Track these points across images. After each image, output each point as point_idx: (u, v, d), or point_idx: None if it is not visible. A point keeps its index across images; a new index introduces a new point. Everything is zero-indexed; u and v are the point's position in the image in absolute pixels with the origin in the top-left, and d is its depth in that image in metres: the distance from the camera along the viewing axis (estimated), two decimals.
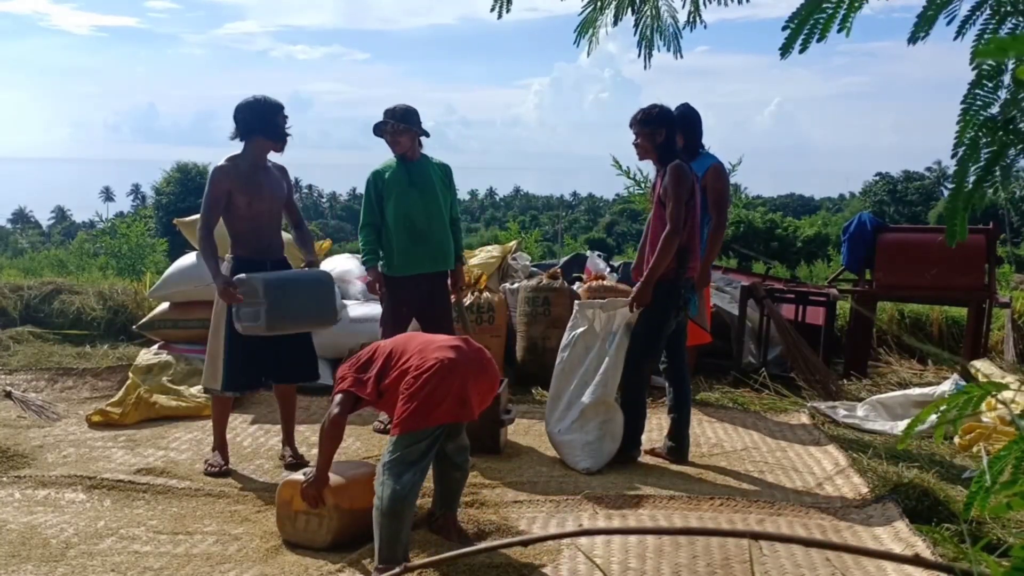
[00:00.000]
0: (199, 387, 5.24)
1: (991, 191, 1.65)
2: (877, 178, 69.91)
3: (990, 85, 1.59)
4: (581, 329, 4.32)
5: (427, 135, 4.78)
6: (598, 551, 3.17)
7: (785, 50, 1.75)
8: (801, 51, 1.76)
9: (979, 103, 1.60)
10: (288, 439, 4.43)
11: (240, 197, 4.09)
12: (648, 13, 4.10)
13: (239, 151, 4.16)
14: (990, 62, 1.58)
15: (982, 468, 1.37)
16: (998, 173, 1.60)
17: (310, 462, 4.18)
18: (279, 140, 4.16)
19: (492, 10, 4.11)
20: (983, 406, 4.82)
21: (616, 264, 7.15)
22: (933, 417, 1.52)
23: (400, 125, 4.63)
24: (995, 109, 1.60)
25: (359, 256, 7.09)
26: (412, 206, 4.71)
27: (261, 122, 4.10)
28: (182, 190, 42.40)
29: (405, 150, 4.70)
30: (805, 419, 5.14)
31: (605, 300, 4.44)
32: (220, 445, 4.28)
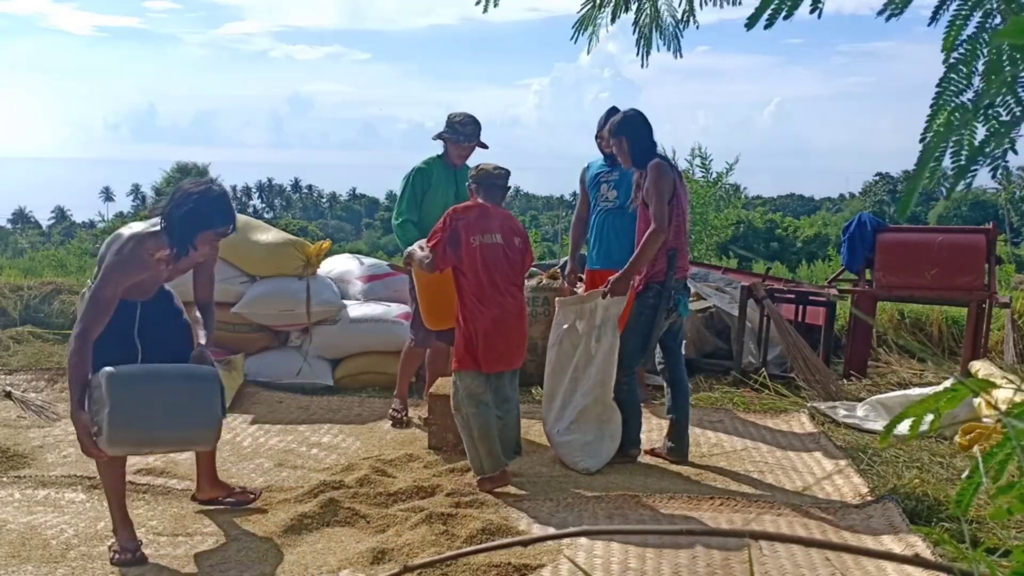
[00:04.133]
0: None
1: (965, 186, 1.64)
2: (877, 178, 70.01)
3: (964, 71, 1.57)
4: (564, 327, 4.32)
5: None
6: (598, 551, 3.17)
7: (752, 21, 1.72)
8: (767, 26, 1.73)
9: (953, 88, 1.59)
10: (204, 472, 3.70)
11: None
12: (647, 12, 4.09)
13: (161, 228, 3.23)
14: (963, 48, 1.56)
15: (975, 464, 1.36)
16: (971, 174, 1.59)
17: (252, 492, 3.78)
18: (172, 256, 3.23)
19: (476, 3, 4.10)
20: (983, 407, 4.83)
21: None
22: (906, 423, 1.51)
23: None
24: (969, 95, 1.59)
25: (360, 256, 7.10)
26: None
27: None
28: None
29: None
30: (805, 419, 5.14)
31: (585, 295, 4.44)
32: (123, 521, 3.27)
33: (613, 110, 5.03)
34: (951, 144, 1.58)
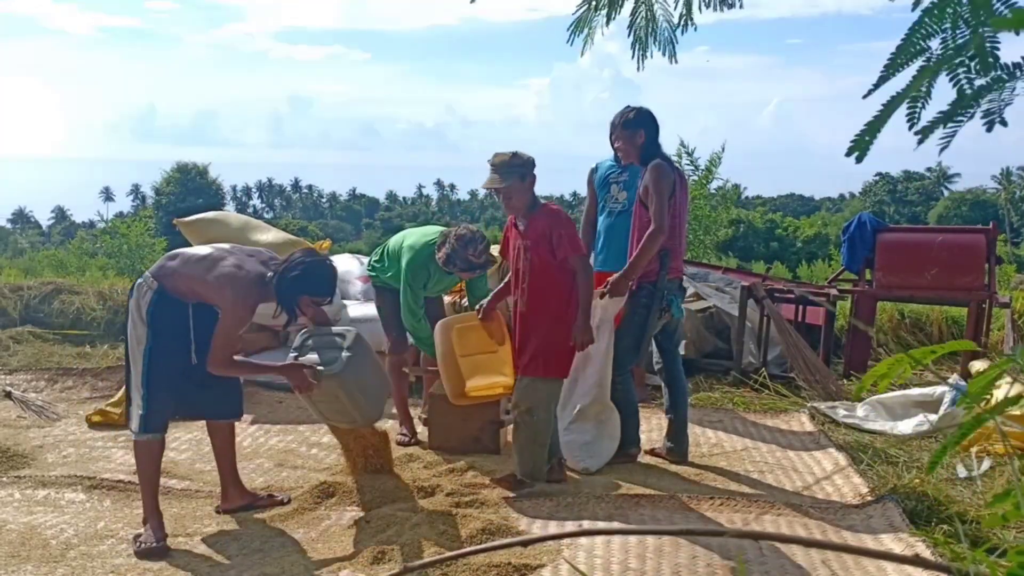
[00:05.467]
0: None
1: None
2: (877, 178, 70.03)
3: (938, 14, 1.49)
4: None
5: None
6: (598, 551, 3.17)
7: None
8: None
9: (923, 31, 1.50)
10: (229, 479, 3.75)
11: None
12: (642, 14, 4.07)
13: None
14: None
15: (947, 440, 1.36)
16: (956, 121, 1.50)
17: (277, 495, 3.80)
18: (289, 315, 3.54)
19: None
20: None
21: None
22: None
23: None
24: (935, 42, 1.51)
25: (360, 256, 7.11)
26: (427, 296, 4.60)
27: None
28: (182, 190, 42.68)
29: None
30: (805, 419, 5.14)
31: None
32: (153, 511, 3.42)
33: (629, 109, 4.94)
34: (922, 92, 1.50)
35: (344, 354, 3.54)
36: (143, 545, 3.28)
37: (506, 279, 4.06)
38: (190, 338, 3.53)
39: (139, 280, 3.55)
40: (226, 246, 3.68)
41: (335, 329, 3.73)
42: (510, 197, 3.82)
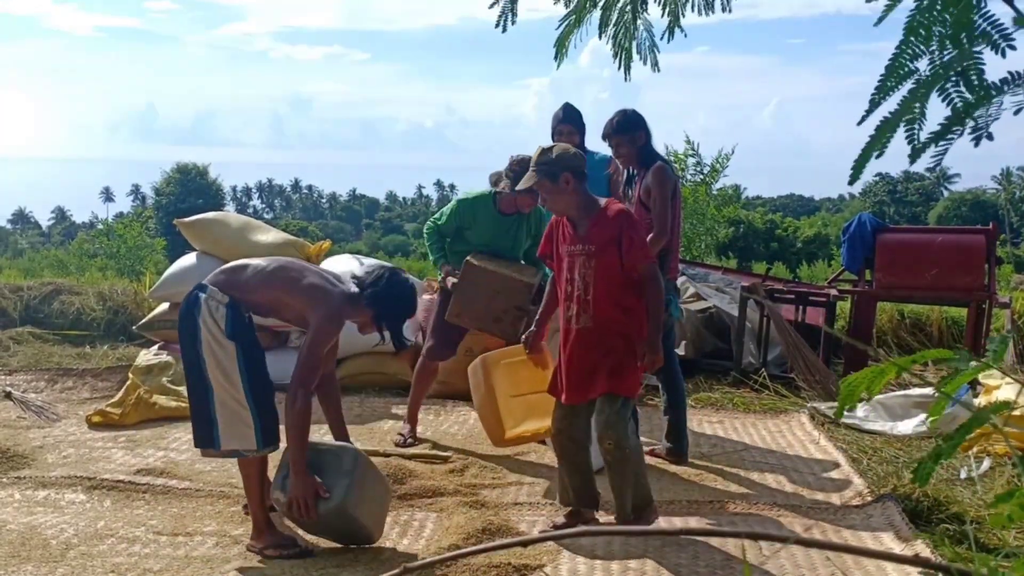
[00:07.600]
0: None
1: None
2: (877, 178, 70.00)
3: (924, 34, 1.49)
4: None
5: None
6: (598, 551, 3.17)
7: None
8: None
9: (909, 52, 1.50)
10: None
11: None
12: (624, 23, 4.06)
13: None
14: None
15: (938, 443, 1.35)
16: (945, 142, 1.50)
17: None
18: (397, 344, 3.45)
19: (497, 26, 4.11)
20: (983, 405, 4.82)
21: None
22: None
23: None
24: (923, 63, 1.51)
25: (360, 257, 7.10)
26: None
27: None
28: (182, 190, 42.67)
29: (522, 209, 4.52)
30: (805, 420, 5.14)
31: None
32: (267, 521, 3.32)
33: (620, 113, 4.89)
34: (916, 111, 1.50)
35: (344, 483, 3.17)
36: (285, 551, 3.20)
37: (546, 299, 3.69)
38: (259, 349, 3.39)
39: (200, 294, 3.23)
40: (285, 259, 3.53)
41: (332, 445, 3.40)
42: (545, 200, 3.46)
